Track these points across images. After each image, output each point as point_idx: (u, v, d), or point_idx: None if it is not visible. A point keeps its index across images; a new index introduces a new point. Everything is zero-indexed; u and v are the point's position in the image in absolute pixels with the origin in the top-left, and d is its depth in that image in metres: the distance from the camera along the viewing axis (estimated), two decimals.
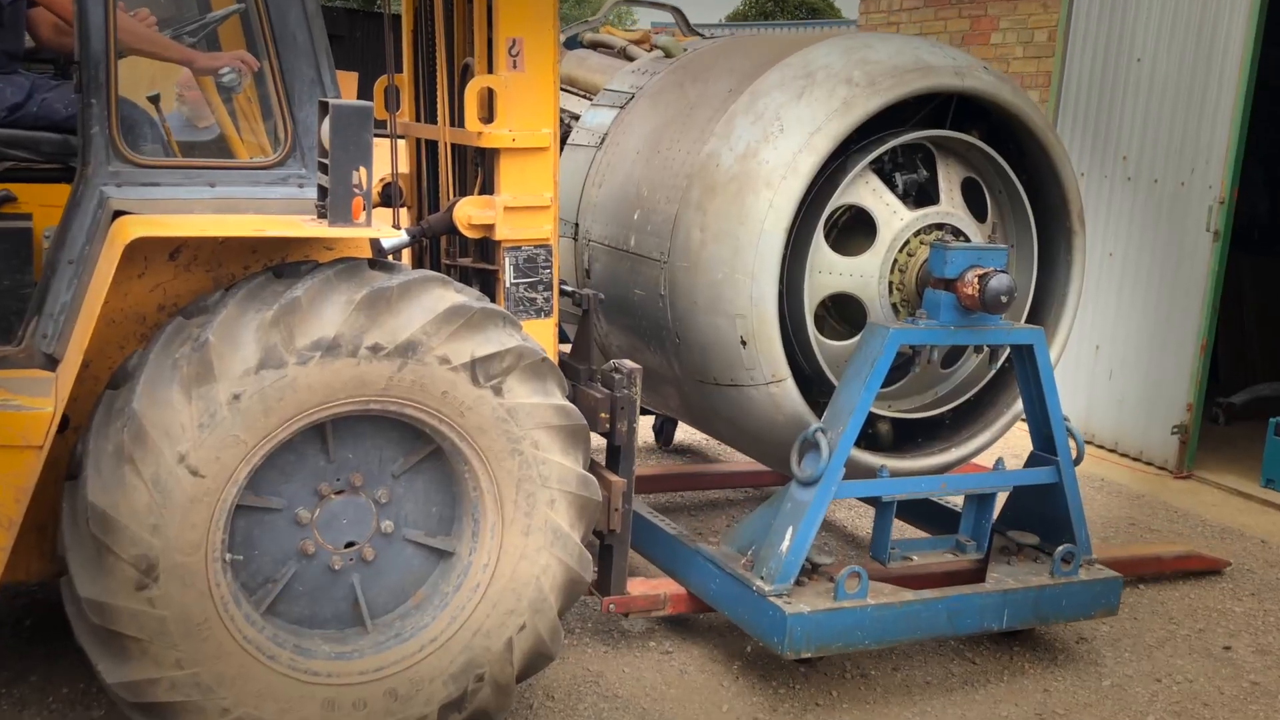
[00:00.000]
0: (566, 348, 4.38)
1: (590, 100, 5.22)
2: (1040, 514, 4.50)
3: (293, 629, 3.47)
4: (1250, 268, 8.61)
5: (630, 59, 5.34)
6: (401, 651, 3.51)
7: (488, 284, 4.09)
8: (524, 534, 3.55)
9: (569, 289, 4.31)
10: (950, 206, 4.28)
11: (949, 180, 4.32)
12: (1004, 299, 3.98)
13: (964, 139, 4.30)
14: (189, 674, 3.21)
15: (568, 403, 3.57)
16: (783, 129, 4.00)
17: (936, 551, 4.49)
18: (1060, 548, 4.33)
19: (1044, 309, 4.69)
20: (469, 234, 3.98)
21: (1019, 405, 4.51)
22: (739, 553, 4.22)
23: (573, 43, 5.73)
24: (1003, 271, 4.02)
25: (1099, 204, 7.19)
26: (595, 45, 5.66)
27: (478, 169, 4.10)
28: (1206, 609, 5.01)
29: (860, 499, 5.04)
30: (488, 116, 3.93)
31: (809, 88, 4.05)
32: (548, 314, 4.05)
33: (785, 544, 3.97)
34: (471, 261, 4.17)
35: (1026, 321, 4.58)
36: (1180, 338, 6.72)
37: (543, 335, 4.01)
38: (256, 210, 3.50)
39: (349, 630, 3.54)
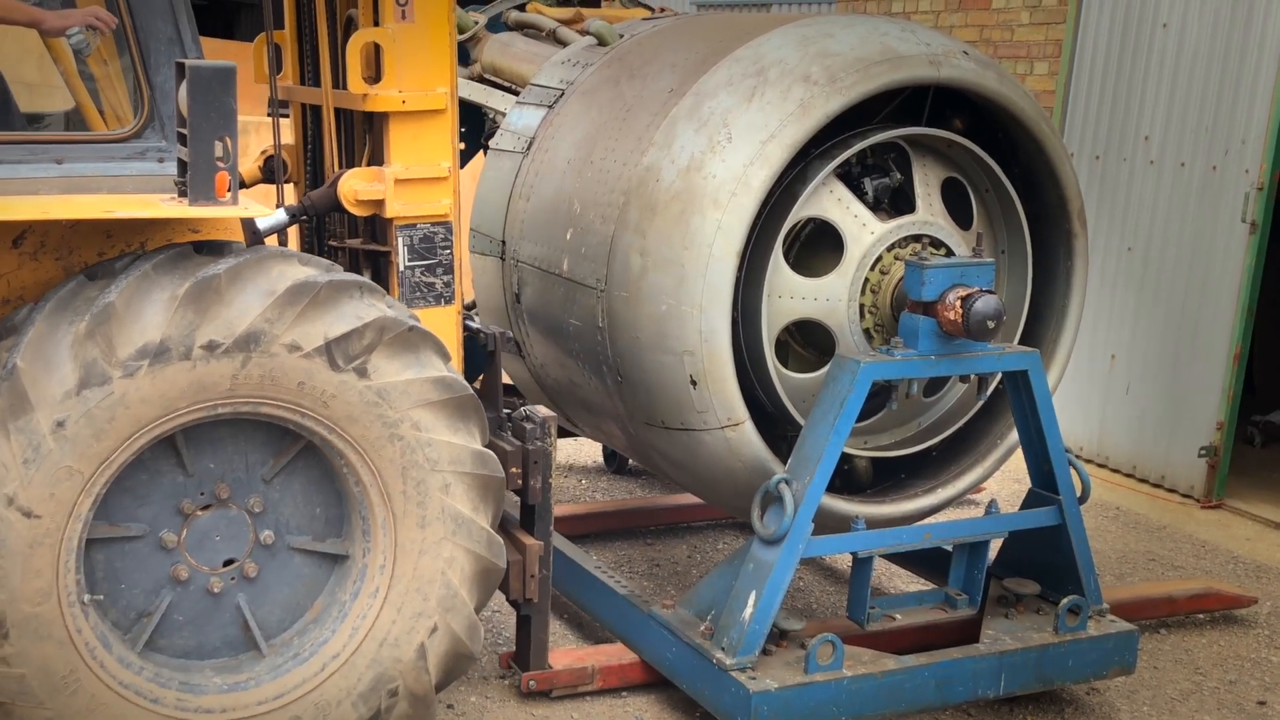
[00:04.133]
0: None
1: (517, 94, 5.31)
2: (1042, 559, 4.65)
3: (179, 664, 3.60)
4: None
5: (561, 43, 5.43)
6: (302, 673, 3.64)
7: (380, 268, 4.16)
8: (420, 526, 3.66)
9: (473, 325, 4.40)
10: (929, 214, 4.40)
11: (926, 183, 4.45)
12: (991, 324, 4.10)
13: (942, 135, 4.42)
14: None
15: (448, 373, 3.66)
16: (731, 137, 4.11)
17: (923, 607, 4.62)
18: (1066, 600, 4.48)
19: (1041, 325, 4.82)
20: (356, 211, 4.05)
21: (1015, 435, 4.64)
22: (697, 617, 4.35)
23: (496, 24, 5.80)
24: (989, 291, 4.14)
25: (1116, 192, 7.33)
26: (521, 26, 5.73)
27: (366, 136, 4.16)
28: (1238, 658, 5.17)
29: None
30: (374, 76, 3.98)
31: (760, 87, 4.17)
32: (449, 300, 4.13)
33: (748, 611, 4.09)
34: (361, 243, 4.23)
35: (1021, 341, 4.72)
36: (1209, 346, 6.86)
37: (444, 325, 4.09)
38: (111, 189, 3.57)
39: (243, 656, 3.67)
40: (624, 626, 4.64)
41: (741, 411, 4.17)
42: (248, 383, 3.40)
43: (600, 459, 7.14)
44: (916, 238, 4.37)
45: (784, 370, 4.37)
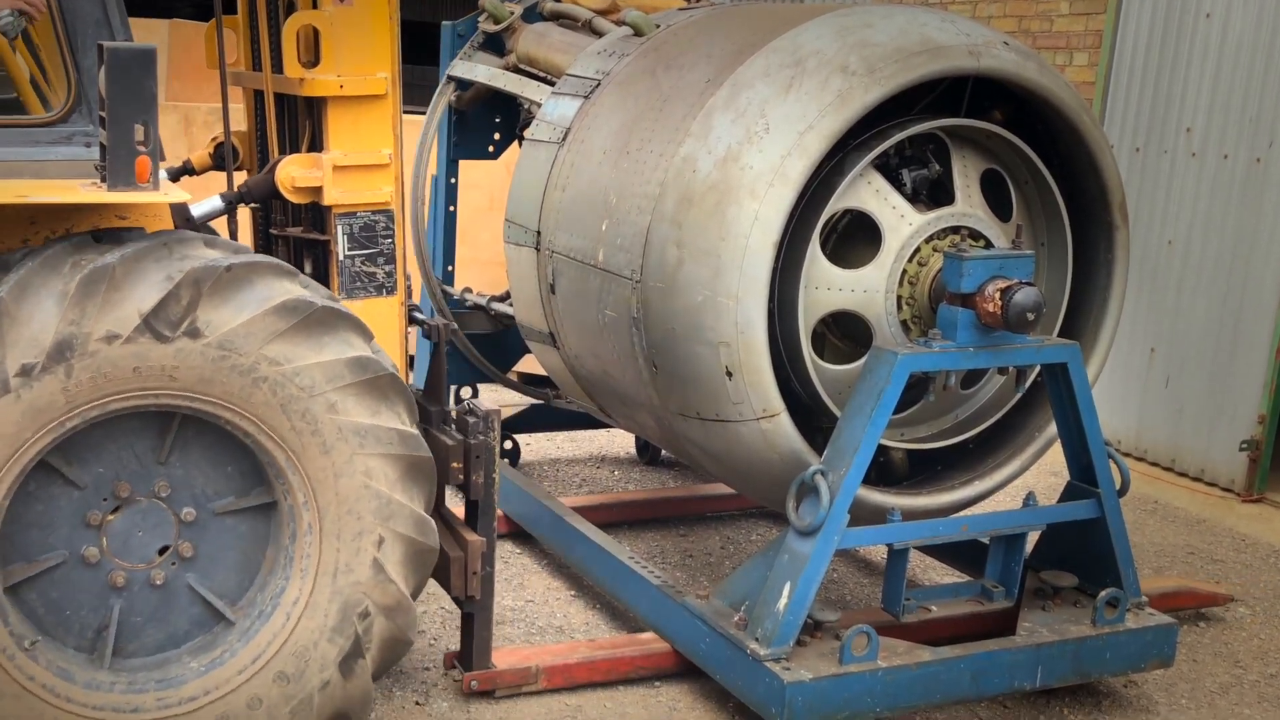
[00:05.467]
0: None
1: (553, 85, 5.32)
2: (1080, 552, 4.65)
3: (155, 662, 3.63)
4: None
5: (597, 34, 5.44)
6: (271, 629, 3.67)
7: (321, 257, 4.13)
8: (324, 453, 3.63)
9: (420, 317, 4.37)
10: (967, 206, 4.40)
11: (965, 175, 4.44)
12: (1030, 316, 4.09)
13: (982, 126, 4.41)
14: None
15: (294, 294, 3.52)
16: (768, 128, 4.11)
17: (960, 599, 4.62)
18: (1104, 592, 4.48)
19: (1081, 318, 4.81)
20: (293, 198, 4.02)
21: (1054, 428, 4.64)
22: (731, 608, 4.36)
23: (531, 14, 5.82)
24: (1029, 284, 4.13)
25: (1157, 184, 7.30)
26: (557, 16, 5.74)
27: (307, 122, 4.14)
28: (1279, 652, 5.15)
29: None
30: (314, 60, 3.96)
31: (798, 78, 4.16)
32: (391, 291, 4.08)
33: (782, 601, 4.10)
34: (302, 231, 4.20)
35: (1060, 333, 4.71)
36: (1251, 338, 6.83)
37: (385, 316, 4.05)
38: (35, 174, 3.53)
39: (217, 629, 3.70)
40: (657, 617, 4.66)
41: (777, 403, 4.18)
42: (82, 390, 3.33)
43: (633, 450, 7.17)
44: (955, 229, 4.36)
45: (820, 362, 4.37)
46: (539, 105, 5.32)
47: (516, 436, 6.71)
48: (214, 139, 4.57)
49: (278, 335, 3.50)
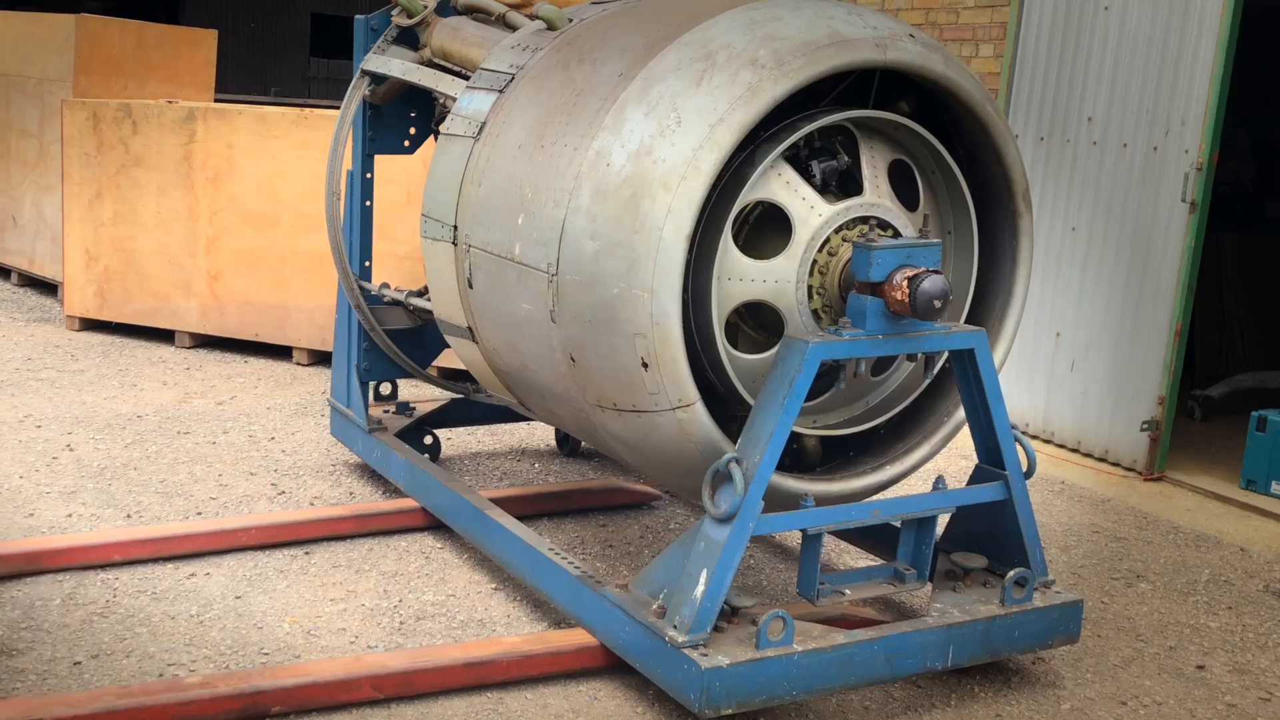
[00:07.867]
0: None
1: (467, 79, 5.30)
2: (989, 534, 4.73)
3: None
4: (1232, 243, 8.97)
5: (511, 28, 5.43)
6: None
7: None
8: None
9: None
10: (876, 196, 4.45)
11: (874, 165, 4.50)
12: (938, 303, 4.16)
13: (889, 118, 4.47)
14: None
15: None
16: (680, 121, 4.13)
17: (873, 582, 4.68)
18: (1012, 572, 4.57)
19: (987, 304, 4.90)
20: None
21: (962, 413, 4.72)
22: (650, 596, 4.39)
23: (445, 8, 5.79)
24: (936, 272, 4.20)
25: (1060, 172, 7.44)
26: (470, 10, 5.73)
27: None
28: (1178, 625, 5.30)
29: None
30: None
31: (709, 71, 4.19)
32: None
33: (699, 589, 4.14)
34: None
35: (967, 320, 4.79)
36: (1152, 323, 6.99)
37: None
38: None
39: None
40: (577, 608, 4.67)
41: (692, 393, 4.21)
42: None
43: (553, 443, 7.18)
44: (864, 219, 4.41)
45: (734, 352, 4.41)
46: (454, 100, 5.30)
47: (437, 431, 6.69)
48: None
49: None
